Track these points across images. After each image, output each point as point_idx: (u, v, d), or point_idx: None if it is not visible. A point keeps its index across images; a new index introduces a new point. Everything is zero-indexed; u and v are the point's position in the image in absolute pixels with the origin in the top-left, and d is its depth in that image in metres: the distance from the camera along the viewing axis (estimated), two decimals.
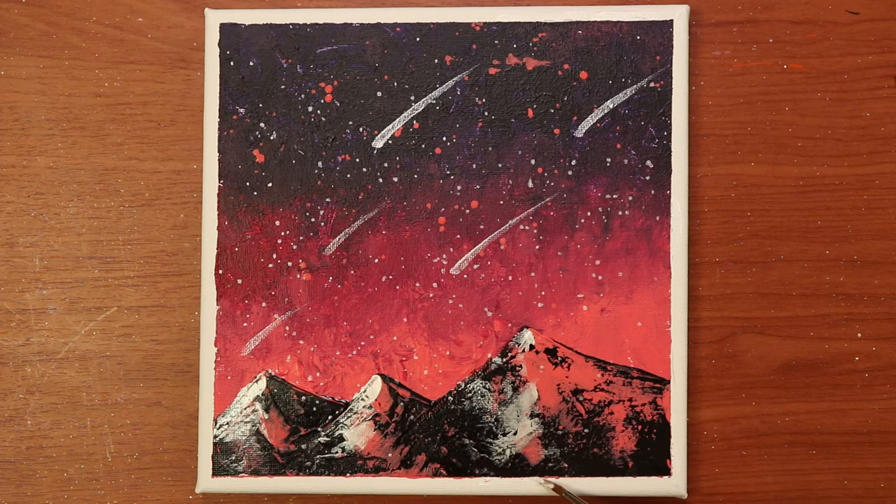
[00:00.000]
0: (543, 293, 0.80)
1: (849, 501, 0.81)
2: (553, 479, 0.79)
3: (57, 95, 0.82)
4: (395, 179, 0.80)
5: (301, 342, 0.80)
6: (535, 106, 0.80)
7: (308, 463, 0.79)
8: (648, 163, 0.80)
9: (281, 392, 0.80)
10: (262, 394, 0.80)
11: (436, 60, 0.80)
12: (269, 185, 0.80)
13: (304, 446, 0.80)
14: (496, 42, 0.80)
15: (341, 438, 0.80)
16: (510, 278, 0.80)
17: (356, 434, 0.80)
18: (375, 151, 0.80)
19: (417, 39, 0.80)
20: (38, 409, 0.82)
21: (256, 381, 0.80)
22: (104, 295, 0.82)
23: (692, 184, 0.81)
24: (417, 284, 0.80)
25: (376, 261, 0.80)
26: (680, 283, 0.79)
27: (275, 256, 0.80)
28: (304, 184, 0.80)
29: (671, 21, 0.80)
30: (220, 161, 0.80)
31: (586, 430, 0.79)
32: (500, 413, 0.79)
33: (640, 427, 0.79)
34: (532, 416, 0.79)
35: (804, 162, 0.81)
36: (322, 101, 0.80)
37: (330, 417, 0.80)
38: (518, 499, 0.81)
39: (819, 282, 0.81)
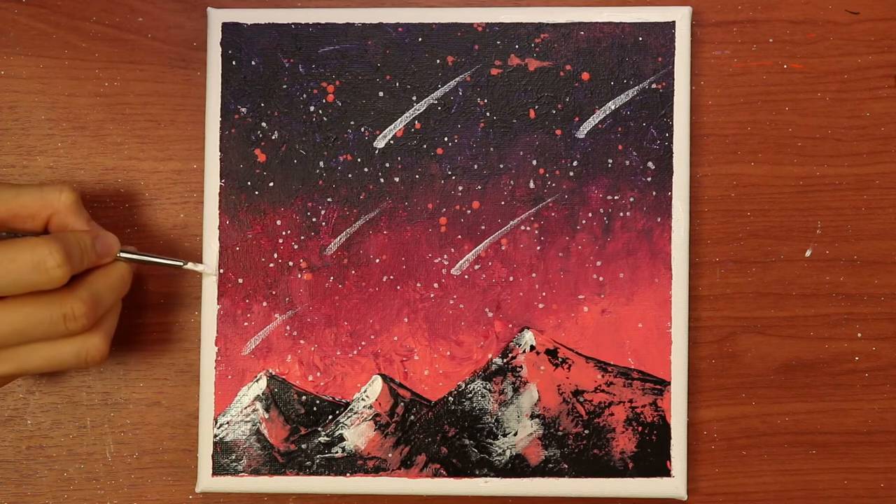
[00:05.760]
0: (544, 294, 0.80)
1: (849, 501, 0.81)
2: None
3: (57, 95, 0.82)
4: (397, 179, 0.80)
5: (302, 342, 0.80)
6: (536, 107, 0.80)
7: (308, 463, 0.79)
8: (650, 164, 0.80)
9: (281, 392, 0.80)
10: (263, 393, 0.80)
11: (438, 61, 0.80)
12: (271, 184, 0.80)
13: (304, 446, 0.79)
14: (498, 43, 0.80)
15: (341, 438, 0.80)
16: (511, 279, 0.80)
17: (356, 434, 0.80)
18: (377, 151, 0.80)
19: (419, 39, 0.80)
20: (38, 409, 0.82)
21: (257, 381, 0.80)
22: None
23: (692, 184, 0.81)
24: (418, 285, 0.80)
25: (377, 261, 0.80)
26: (681, 285, 0.79)
27: (276, 256, 0.80)
28: (305, 183, 0.80)
29: (673, 23, 0.79)
30: (222, 160, 0.80)
31: (586, 432, 0.79)
32: (500, 414, 0.79)
33: (640, 428, 0.79)
34: (532, 416, 0.79)
35: (804, 162, 0.81)
36: (324, 100, 0.80)
37: (330, 417, 0.80)
38: (518, 499, 0.81)
39: (819, 282, 0.81)
